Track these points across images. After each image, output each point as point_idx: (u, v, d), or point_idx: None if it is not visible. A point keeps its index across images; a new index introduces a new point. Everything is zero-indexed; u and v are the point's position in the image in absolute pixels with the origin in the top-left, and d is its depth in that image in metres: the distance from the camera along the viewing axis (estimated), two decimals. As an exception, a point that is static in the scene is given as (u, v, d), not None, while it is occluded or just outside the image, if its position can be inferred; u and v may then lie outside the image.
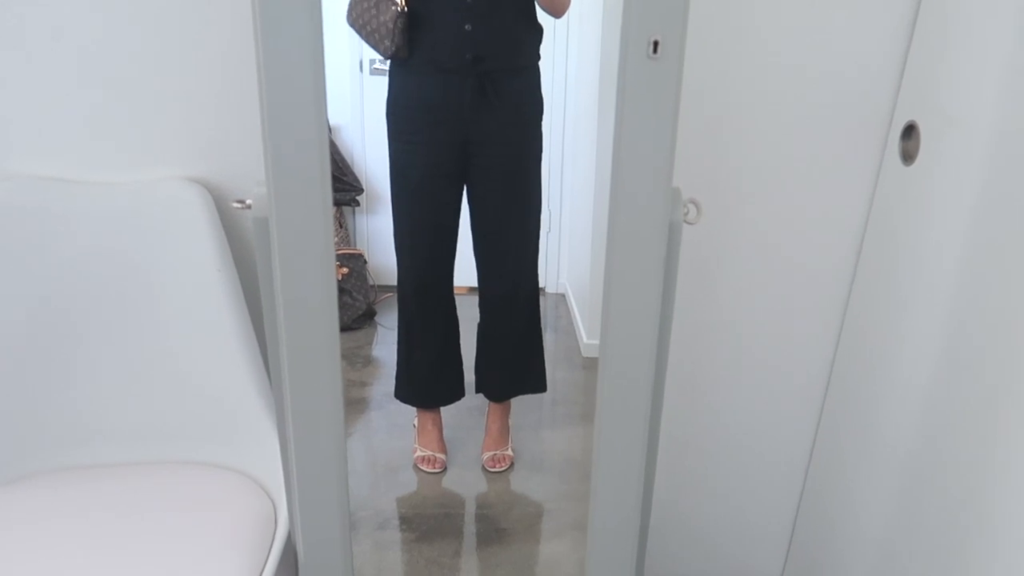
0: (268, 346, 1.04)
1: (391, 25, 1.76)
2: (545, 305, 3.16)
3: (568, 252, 3.22)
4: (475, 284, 2.06)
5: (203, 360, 1.30)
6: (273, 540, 1.17)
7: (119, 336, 1.30)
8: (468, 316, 2.13)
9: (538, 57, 1.93)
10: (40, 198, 1.28)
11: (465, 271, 2.07)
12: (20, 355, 1.28)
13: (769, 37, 1.30)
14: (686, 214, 1.02)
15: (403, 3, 1.75)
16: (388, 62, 1.92)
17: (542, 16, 1.87)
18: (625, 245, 0.99)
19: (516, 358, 2.15)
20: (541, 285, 2.42)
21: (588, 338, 2.74)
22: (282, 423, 1.06)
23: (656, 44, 0.89)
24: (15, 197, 1.28)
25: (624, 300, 1.02)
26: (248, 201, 0.96)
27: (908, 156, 1.27)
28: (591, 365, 2.67)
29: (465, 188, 1.97)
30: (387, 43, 1.78)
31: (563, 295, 3.29)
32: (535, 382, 2.19)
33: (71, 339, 1.30)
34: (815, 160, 1.36)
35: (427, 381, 2.14)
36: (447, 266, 2.02)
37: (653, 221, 0.98)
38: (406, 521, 1.89)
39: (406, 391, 2.15)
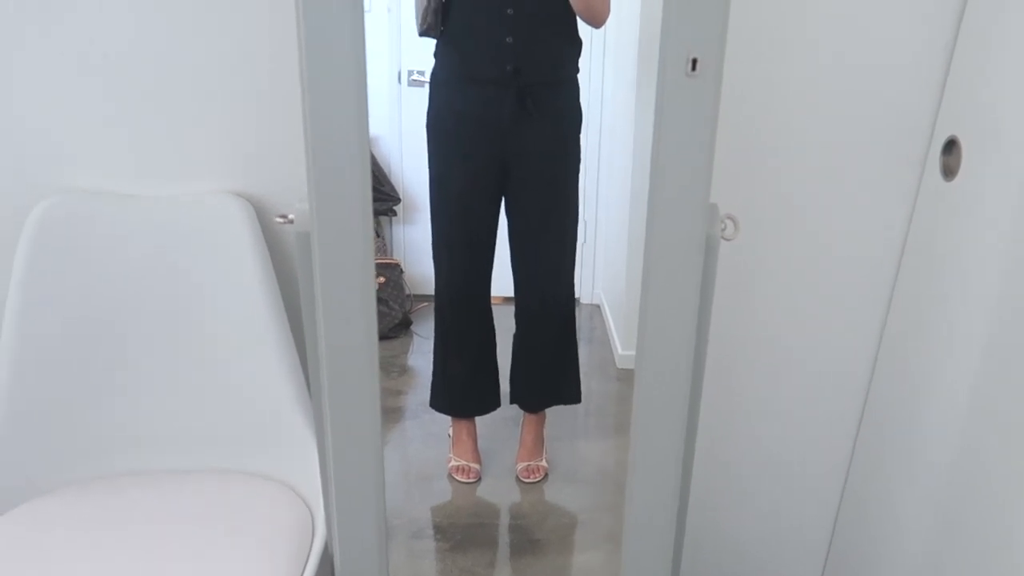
0: (308, 357, 1.06)
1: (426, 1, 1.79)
2: (579, 316, 3.16)
3: (603, 263, 3.22)
4: (511, 294, 2.07)
5: (244, 371, 1.32)
6: (311, 549, 1.18)
7: (162, 346, 1.33)
8: (504, 326, 2.14)
9: (577, 70, 1.93)
10: (88, 211, 1.32)
11: (501, 281, 2.07)
12: (66, 364, 1.31)
13: (808, 51, 1.30)
14: (723, 230, 1.02)
15: None
16: (427, 74, 1.94)
17: (581, 27, 1.88)
18: (662, 260, 0.99)
19: (551, 369, 2.15)
20: (576, 296, 2.42)
21: (623, 349, 2.74)
22: (321, 433, 1.08)
23: (695, 62, 0.89)
24: (64, 209, 1.31)
25: (661, 315, 1.02)
26: (291, 216, 0.98)
27: (949, 171, 1.26)
28: (625, 376, 2.66)
29: (503, 200, 1.98)
30: (420, 17, 1.81)
31: (598, 306, 3.29)
32: (570, 393, 2.19)
33: (116, 348, 1.32)
34: (854, 176, 1.35)
35: (463, 391, 2.15)
36: (485, 277, 2.03)
37: (690, 237, 0.98)
38: (440, 530, 1.90)
39: (441, 400, 2.16)
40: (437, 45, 1.89)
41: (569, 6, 1.79)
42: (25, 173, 1.35)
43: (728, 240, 1.02)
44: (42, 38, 1.30)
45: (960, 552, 1.20)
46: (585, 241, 3.19)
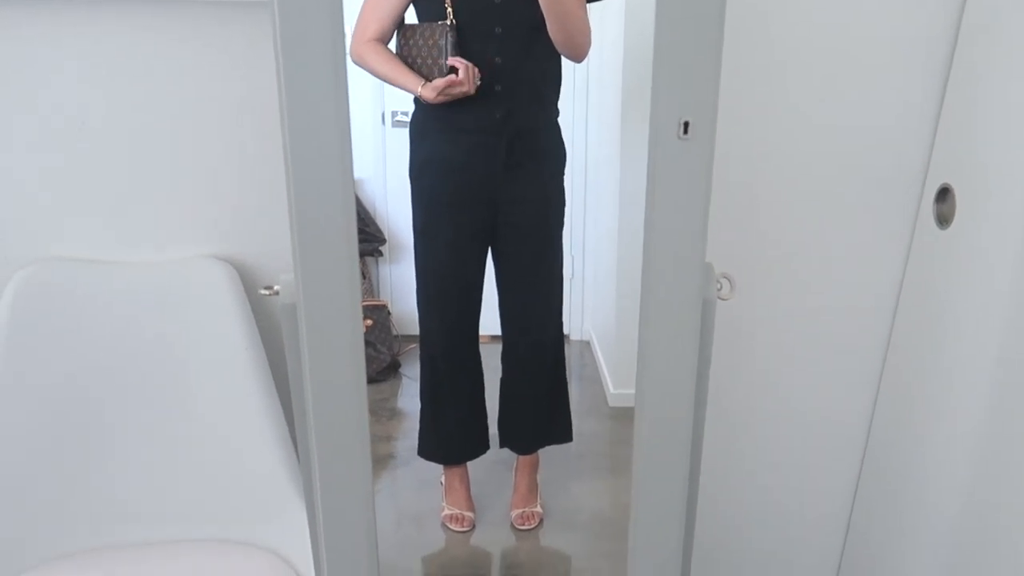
0: (296, 428, 1.03)
1: (443, 42, 1.75)
2: (569, 353, 3.12)
3: (592, 298, 3.18)
4: (498, 332, 2.04)
5: (232, 439, 1.29)
6: (302, 621, 1.15)
7: (149, 415, 1.29)
8: (490, 365, 2.11)
9: (558, 112, 1.92)
10: (68, 279, 1.29)
11: (486, 319, 2.04)
12: (51, 435, 1.27)
13: (798, 105, 1.29)
14: (719, 290, 1.00)
15: (451, 16, 1.73)
16: (410, 115, 1.91)
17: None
18: (659, 322, 0.97)
19: (542, 409, 2.12)
20: (565, 332, 2.39)
21: (614, 387, 2.70)
22: (311, 502, 1.05)
23: (687, 125, 0.88)
24: (44, 278, 1.28)
25: (659, 376, 1.00)
26: (276, 287, 0.95)
27: (943, 219, 1.25)
28: (617, 415, 2.62)
29: (491, 246, 1.95)
30: (441, 62, 1.76)
31: (587, 342, 3.25)
32: (561, 432, 2.16)
33: (102, 418, 1.29)
34: (848, 228, 1.34)
35: (452, 437, 2.12)
36: (474, 326, 2.01)
37: (686, 299, 0.96)
38: (434, 582, 1.86)
39: (431, 449, 2.12)
40: (419, 92, 1.86)
41: (553, 49, 1.78)
42: (2, 243, 1.31)
43: (724, 300, 1.00)
44: (18, 109, 1.27)
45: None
46: (573, 276, 3.15)
